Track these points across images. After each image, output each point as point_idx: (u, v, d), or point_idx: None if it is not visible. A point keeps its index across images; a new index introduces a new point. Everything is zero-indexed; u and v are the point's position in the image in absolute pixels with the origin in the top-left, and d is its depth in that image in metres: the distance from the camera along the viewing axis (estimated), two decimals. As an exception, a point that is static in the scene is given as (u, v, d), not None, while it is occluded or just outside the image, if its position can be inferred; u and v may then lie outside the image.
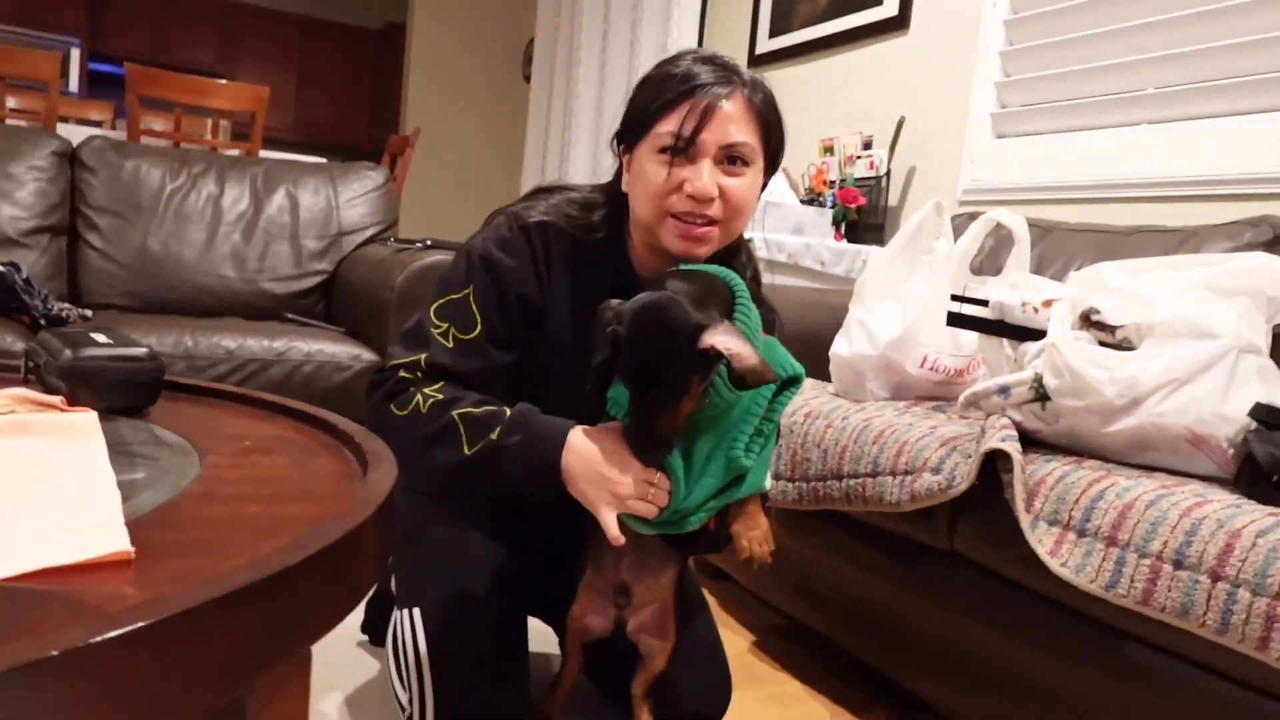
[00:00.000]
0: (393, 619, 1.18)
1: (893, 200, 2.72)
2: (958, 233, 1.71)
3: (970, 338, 1.56)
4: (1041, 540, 1.13)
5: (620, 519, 0.99)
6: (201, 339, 2.02)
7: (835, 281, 2.43)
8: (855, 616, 1.55)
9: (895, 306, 1.66)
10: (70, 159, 2.43)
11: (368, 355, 2.16)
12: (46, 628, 0.42)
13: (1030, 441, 1.28)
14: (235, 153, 3.53)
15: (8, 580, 0.49)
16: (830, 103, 3.02)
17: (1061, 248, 1.90)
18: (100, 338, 0.93)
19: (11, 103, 3.87)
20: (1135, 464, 1.20)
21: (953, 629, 1.34)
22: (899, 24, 2.76)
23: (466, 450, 1.02)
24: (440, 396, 1.05)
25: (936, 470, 1.28)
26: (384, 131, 5.69)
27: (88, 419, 0.79)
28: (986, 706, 1.30)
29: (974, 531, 1.27)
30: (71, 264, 2.38)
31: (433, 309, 1.11)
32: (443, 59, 5.36)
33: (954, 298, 1.44)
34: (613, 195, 1.15)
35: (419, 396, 1.05)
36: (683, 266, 1.03)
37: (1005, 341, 1.37)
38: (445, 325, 1.09)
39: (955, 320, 1.42)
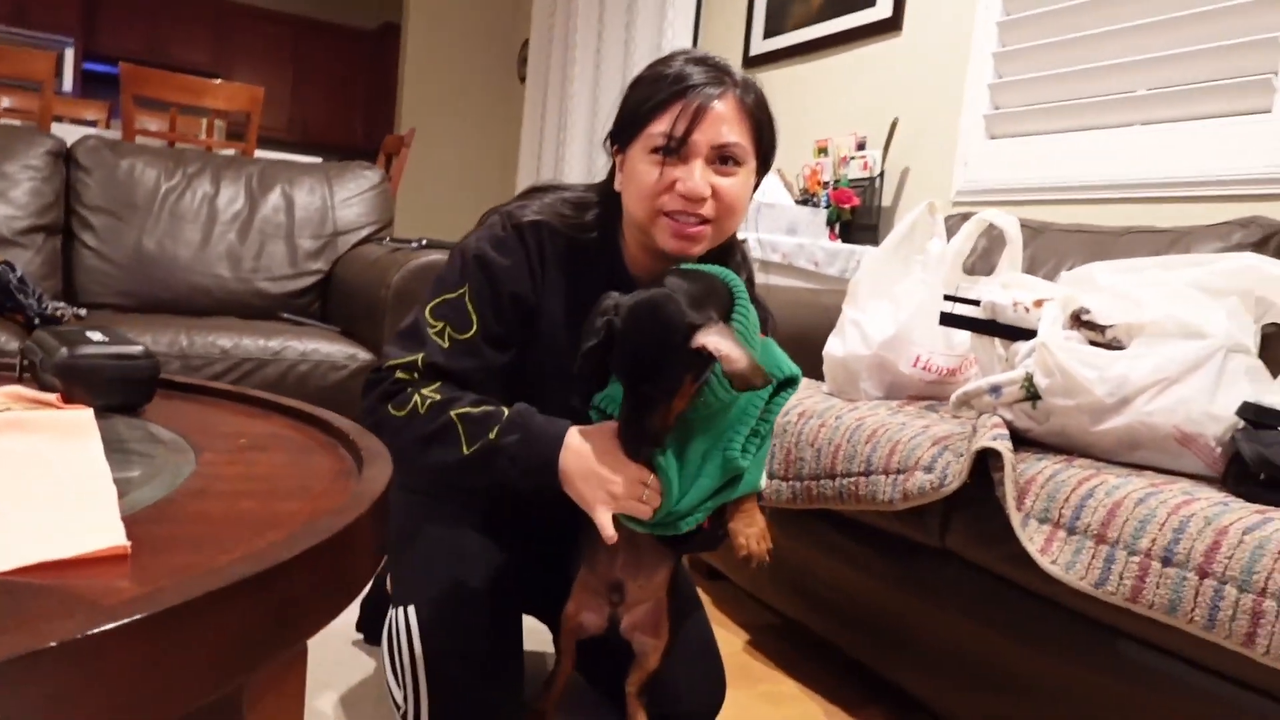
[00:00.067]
0: (388, 617, 1.18)
1: (886, 201, 2.73)
2: (950, 233, 1.72)
3: (962, 337, 1.57)
4: (1032, 538, 1.14)
5: (616, 517, 1.00)
6: (197, 338, 2.02)
7: (829, 281, 2.44)
8: (849, 615, 1.56)
9: (888, 306, 1.67)
10: (65, 158, 2.43)
11: (363, 355, 2.16)
12: (43, 620, 0.43)
13: (1021, 440, 1.28)
14: (230, 152, 3.53)
15: (5, 575, 0.49)
16: (824, 104, 3.03)
17: (1053, 248, 1.91)
18: (96, 336, 0.93)
19: (6, 102, 3.87)
20: (1125, 462, 1.21)
21: (945, 627, 1.35)
22: (892, 25, 2.77)
23: (465, 450, 1.02)
24: (438, 397, 1.05)
25: (929, 469, 1.29)
26: (379, 131, 5.69)
27: (83, 416, 0.79)
28: (979, 703, 1.30)
29: (966, 530, 1.28)
30: (66, 263, 2.38)
31: (428, 308, 1.11)
32: (438, 59, 5.36)
33: (947, 297, 1.45)
34: (606, 195, 1.16)
35: (417, 397, 1.05)
36: (684, 266, 1.04)
37: (997, 341, 1.38)
38: (441, 325, 1.10)
39: (948, 320, 1.43)
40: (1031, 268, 1.86)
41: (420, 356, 1.08)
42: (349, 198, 2.66)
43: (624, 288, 1.01)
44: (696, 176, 1.04)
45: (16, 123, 3.56)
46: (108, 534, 0.54)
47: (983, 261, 1.91)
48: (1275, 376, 1.24)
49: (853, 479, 1.41)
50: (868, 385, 1.67)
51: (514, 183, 4.73)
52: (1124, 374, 1.19)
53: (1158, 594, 1.00)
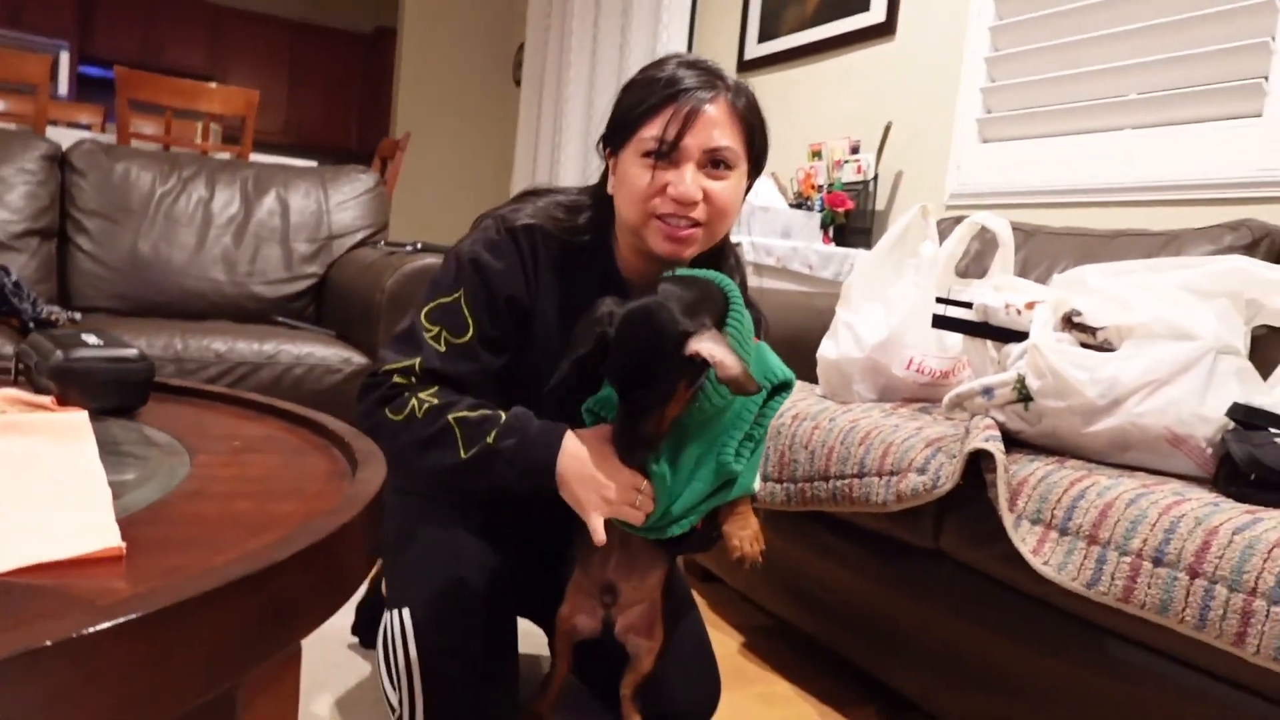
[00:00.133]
0: (383, 620, 1.18)
1: (880, 204, 2.74)
2: (943, 236, 1.73)
3: (955, 340, 1.57)
4: (1024, 539, 1.15)
5: (609, 520, 1.00)
6: (191, 342, 2.02)
7: (823, 285, 2.45)
8: (843, 616, 1.56)
9: (881, 309, 1.67)
10: (60, 162, 2.43)
11: (358, 358, 2.16)
12: (38, 620, 0.43)
13: (1013, 442, 1.29)
14: (225, 156, 3.52)
15: (1, 575, 0.49)
16: (818, 108, 3.04)
17: (1045, 251, 1.92)
18: (91, 339, 0.93)
19: (0, 105, 3.86)
20: (1116, 464, 1.22)
21: (939, 627, 1.35)
22: (886, 30, 2.78)
23: (462, 453, 1.03)
24: (435, 401, 1.06)
25: (922, 470, 1.30)
26: (375, 135, 5.69)
27: (79, 418, 0.79)
28: (972, 703, 1.31)
29: (959, 531, 1.29)
30: (61, 267, 2.38)
31: (424, 312, 1.11)
32: (433, 63, 5.37)
33: (939, 300, 1.46)
34: (599, 198, 1.16)
35: (414, 401, 1.06)
36: (678, 271, 1.05)
37: (989, 343, 1.39)
38: (437, 329, 1.10)
39: (940, 322, 1.43)
40: (1023, 270, 1.87)
41: (417, 360, 1.08)
42: (344, 201, 2.67)
43: (616, 290, 1.01)
44: (688, 180, 1.04)
45: (11, 126, 3.56)
46: (103, 535, 0.54)
47: (975, 264, 1.92)
48: (1265, 378, 1.25)
49: (846, 481, 1.41)
50: (861, 388, 1.68)
51: (509, 186, 4.74)
52: (1115, 375, 1.20)
53: (1149, 594, 1.01)
